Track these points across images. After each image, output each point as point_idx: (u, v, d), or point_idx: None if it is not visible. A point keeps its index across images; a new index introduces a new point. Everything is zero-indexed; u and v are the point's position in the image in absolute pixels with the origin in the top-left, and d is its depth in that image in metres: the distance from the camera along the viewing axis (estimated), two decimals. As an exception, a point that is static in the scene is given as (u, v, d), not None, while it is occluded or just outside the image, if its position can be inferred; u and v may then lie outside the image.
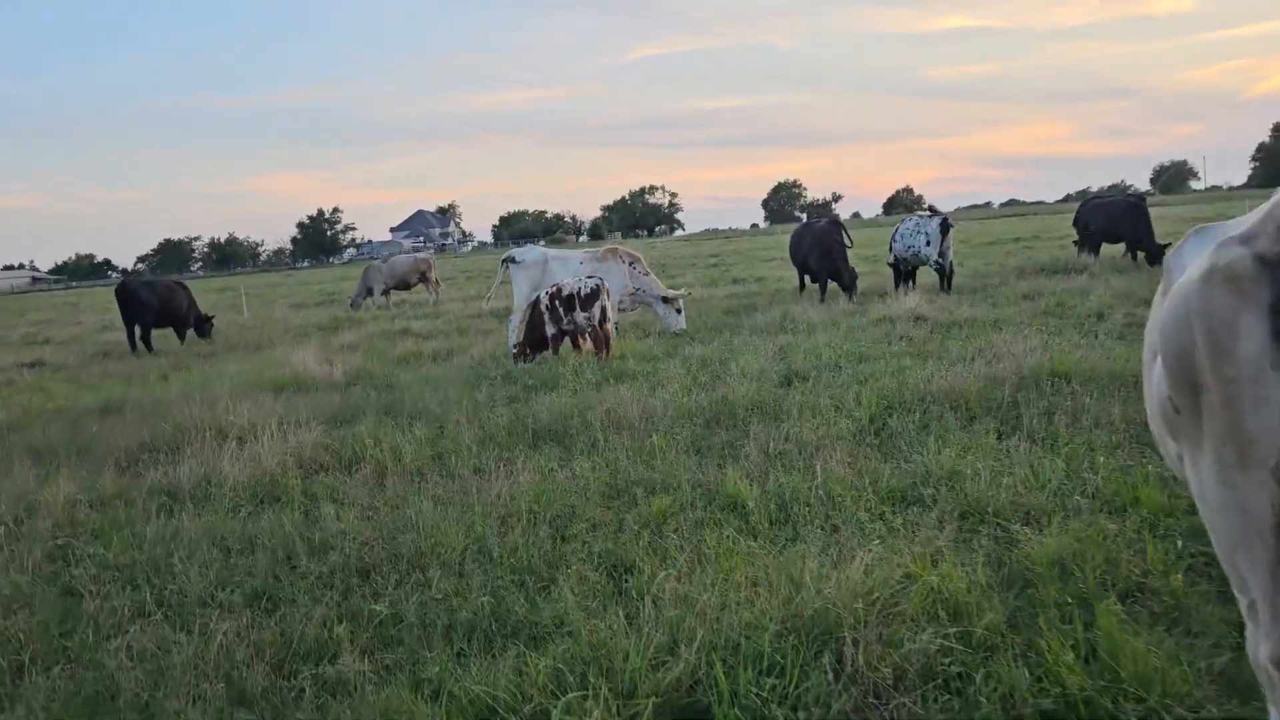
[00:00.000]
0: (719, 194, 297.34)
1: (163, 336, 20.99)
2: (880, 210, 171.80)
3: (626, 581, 4.86)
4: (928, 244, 19.04)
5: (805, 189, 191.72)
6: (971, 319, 13.37)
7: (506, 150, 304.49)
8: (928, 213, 19.57)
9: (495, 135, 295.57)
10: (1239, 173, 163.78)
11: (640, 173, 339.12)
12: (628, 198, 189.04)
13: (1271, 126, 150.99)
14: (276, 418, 8.92)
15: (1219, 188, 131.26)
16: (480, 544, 5.54)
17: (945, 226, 18.78)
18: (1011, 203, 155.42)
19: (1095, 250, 22.74)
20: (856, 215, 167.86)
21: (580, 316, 12.23)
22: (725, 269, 34.19)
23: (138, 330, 19.82)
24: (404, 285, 28.57)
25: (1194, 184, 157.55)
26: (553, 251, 15.78)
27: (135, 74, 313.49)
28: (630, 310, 15.41)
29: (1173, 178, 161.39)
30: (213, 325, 21.26)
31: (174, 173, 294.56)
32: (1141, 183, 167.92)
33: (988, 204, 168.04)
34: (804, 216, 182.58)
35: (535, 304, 12.85)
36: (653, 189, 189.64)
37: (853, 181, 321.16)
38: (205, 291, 50.17)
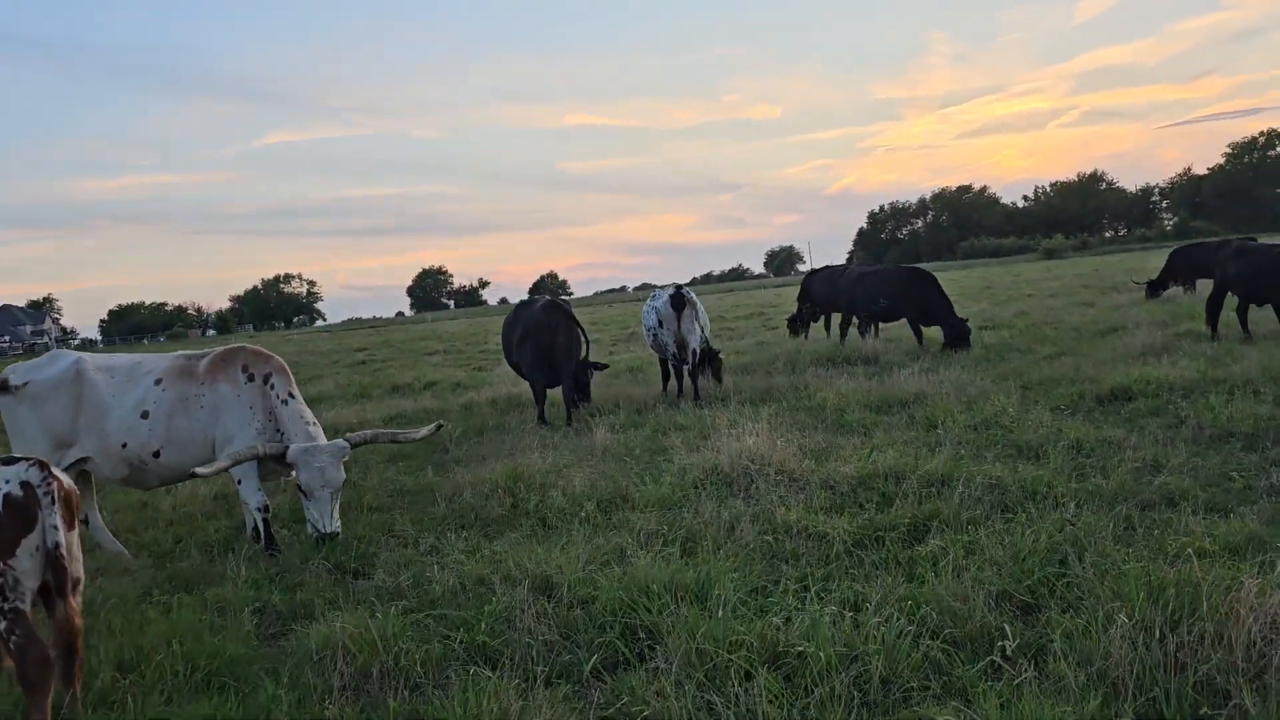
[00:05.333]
0: (362, 282, 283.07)
1: None
2: (527, 295, 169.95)
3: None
4: (660, 324, 12.94)
5: (451, 276, 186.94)
6: (894, 473, 6.96)
7: (125, 240, 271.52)
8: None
9: (112, 224, 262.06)
10: (839, 255, 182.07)
11: (277, 263, 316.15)
12: (260, 287, 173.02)
13: (867, 215, 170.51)
14: None
15: (817, 270, 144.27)
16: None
17: (678, 301, 12.75)
18: (644, 286, 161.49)
19: (872, 328, 17.86)
20: (504, 300, 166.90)
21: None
22: (378, 369, 26.14)
23: None
24: None
25: (801, 266, 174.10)
26: (102, 359, 7.30)
27: None
28: (273, 478, 7.36)
29: (783, 261, 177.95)
30: None
31: None
32: (757, 266, 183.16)
33: (624, 288, 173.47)
34: (451, 304, 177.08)
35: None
36: (288, 278, 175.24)
37: (499, 269, 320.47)
38: None
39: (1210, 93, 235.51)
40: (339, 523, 6.47)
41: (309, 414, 6.99)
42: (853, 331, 17.72)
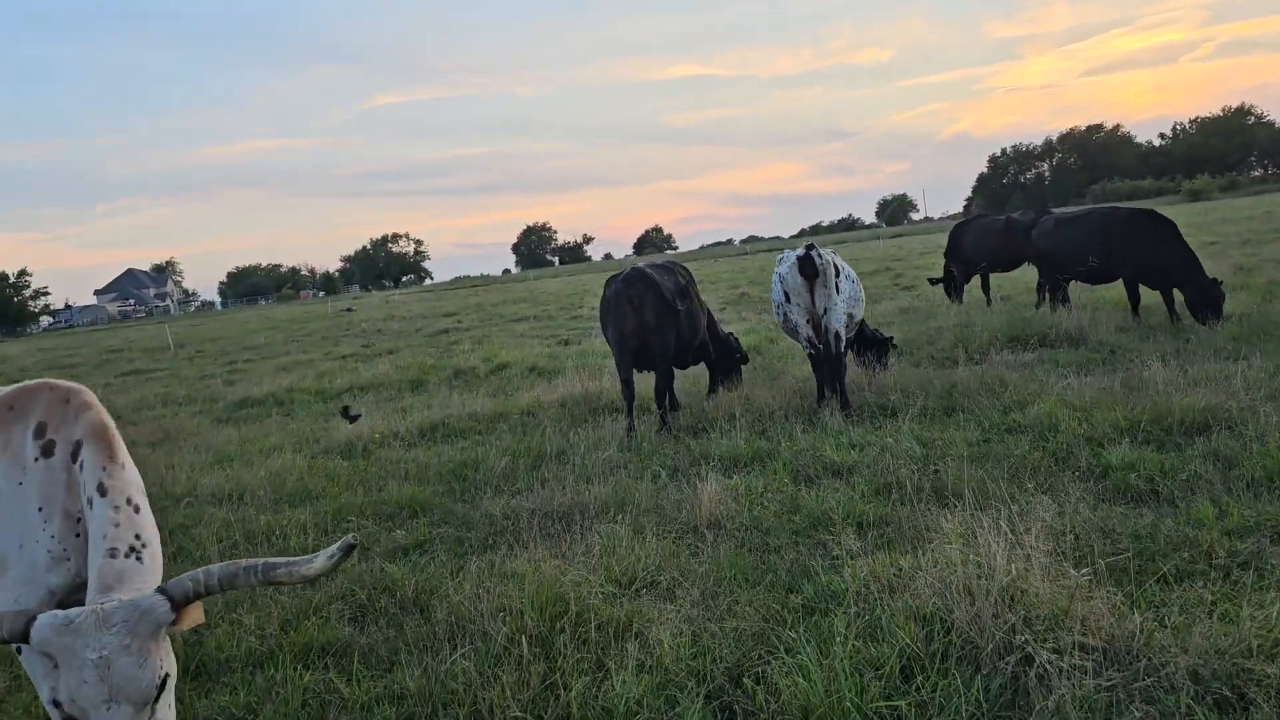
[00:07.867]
0: (469, 240, 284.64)
1: None
2: (631, 250, 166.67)
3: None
4: (787, 299, 9.18)
5: (556, 232, 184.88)
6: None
7: (240, 204, 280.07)
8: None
9: (228, 189, 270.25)
10: (954, 203, 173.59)
11: (385, 222, 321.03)
12: (369, 247, 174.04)
13: (988, 159, 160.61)
14: None
15: (931, 219, 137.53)
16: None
17: (808, 266, 8.91)
18: (751, 239, 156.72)
19: (1059, 295, 13.57)
20: (608, 256, 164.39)
21: None
22: (453, 343, 23.05)
23: None
24: None
25: (914, 215, 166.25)
26: None
27: None
28: None
29: (896, 210, 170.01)
30: None
31: None
32: (868, 215, 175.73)
33: (729, 241, 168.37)
34: (555, 260, 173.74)
35: None
36: (396, 237, 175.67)
37: (604, 224, 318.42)
38: None
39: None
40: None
41: (132, 524, 3.46)
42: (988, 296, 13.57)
